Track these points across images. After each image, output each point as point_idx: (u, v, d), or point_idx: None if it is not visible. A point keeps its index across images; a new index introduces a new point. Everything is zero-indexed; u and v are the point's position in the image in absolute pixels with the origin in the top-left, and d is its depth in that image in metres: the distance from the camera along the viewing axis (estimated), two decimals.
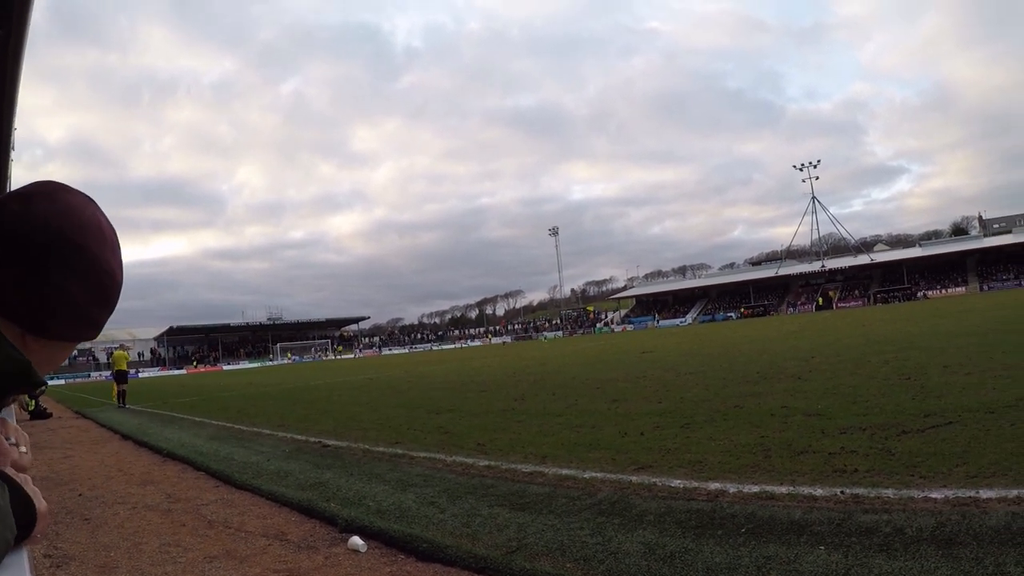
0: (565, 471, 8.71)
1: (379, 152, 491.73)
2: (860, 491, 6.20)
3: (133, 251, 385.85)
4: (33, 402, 28.79)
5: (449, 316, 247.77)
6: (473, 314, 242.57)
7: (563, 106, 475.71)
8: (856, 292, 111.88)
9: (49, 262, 1.27)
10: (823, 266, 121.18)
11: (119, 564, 7.22)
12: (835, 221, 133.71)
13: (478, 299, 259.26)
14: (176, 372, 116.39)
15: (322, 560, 6.77)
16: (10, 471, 1.29)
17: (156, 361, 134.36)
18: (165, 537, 8.15)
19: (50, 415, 28.77)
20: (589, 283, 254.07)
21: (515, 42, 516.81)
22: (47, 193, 1.30)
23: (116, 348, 33.39)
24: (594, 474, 8.36)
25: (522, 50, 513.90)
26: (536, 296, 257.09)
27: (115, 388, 31.66)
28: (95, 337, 1.45)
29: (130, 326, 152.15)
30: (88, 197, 1.37)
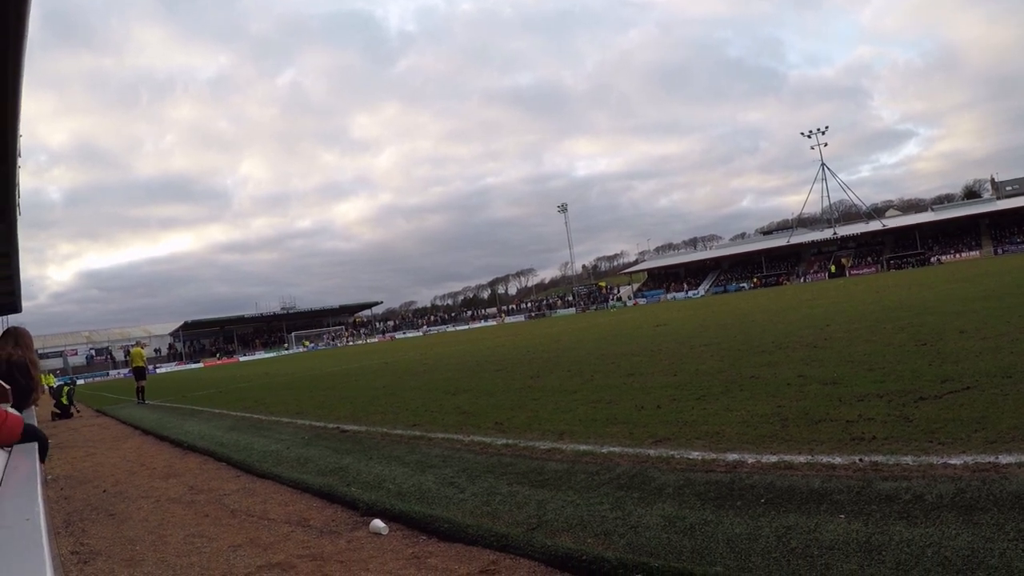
0: (583, 447, 8.73)
1: (380, 138, 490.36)
2: (879, 459, 6.17)
3: (142, 250, 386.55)
4: (67, 399, 29.10)
5: (462, 297, 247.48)
6: (485, 294, 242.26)
7: (562, 82, 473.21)
8: (869, 259, 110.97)
9: None
10: (835, 233, 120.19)
11: (145, 557, 7.28)
12: (845, 187, 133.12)
13: (490, 279, 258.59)
14: (193, 366, 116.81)
15: (345, 544, 6.81)
16: None
17: (173, 356, 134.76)
18: (189, 528, 8.21)
19: (71, 415, 29.03)
20: (600, 258, 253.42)
21: (508, 21, 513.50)
22: None
23: (133, 346, 33.64)
24: (612, 449, 8.36)
25: (516, 28, 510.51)
26: (548, 274, 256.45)
27: (136, 384, 31.97)
28: None
29: (145, 323, 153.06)
30: None
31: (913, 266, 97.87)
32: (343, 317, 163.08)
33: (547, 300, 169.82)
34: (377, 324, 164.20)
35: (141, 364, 32.05)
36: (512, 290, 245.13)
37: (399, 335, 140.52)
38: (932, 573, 4.00)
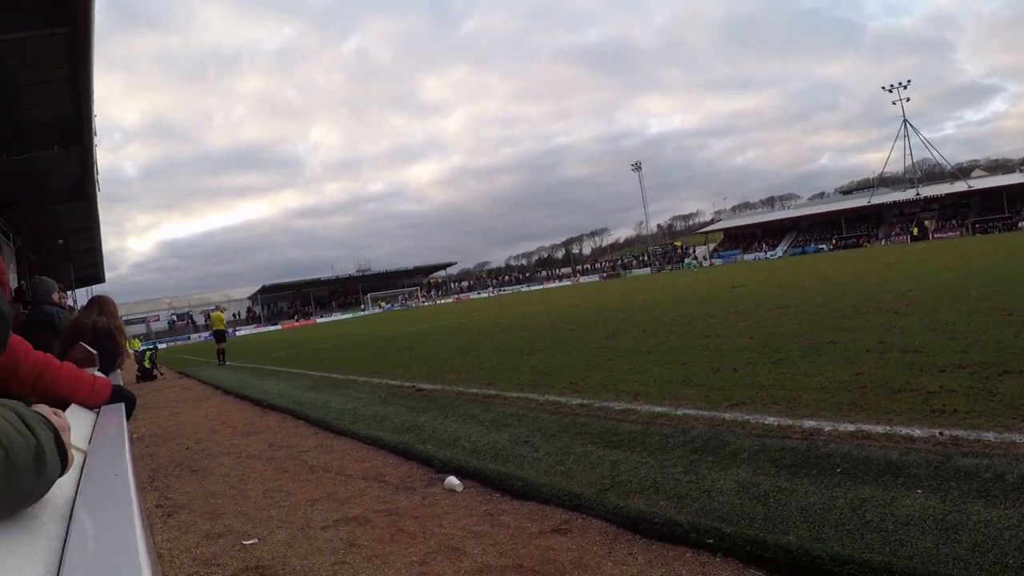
0: (658, 408, 8.73)
1: (449, 100, 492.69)
2: (959, 433, 6.04)
3: (219, 218, 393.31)
4: (150, 362, 29.85)
5: (536, 257, 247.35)
6: (560, 254, 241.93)
7: (631, 38, 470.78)
8: (953, 221, 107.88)
9: None
10: (917, 194, 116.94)
11: (226, 510, 7.46)
12: (929, 145, 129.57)
13: (564, 239, 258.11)
14: (271, 328, 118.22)
15: (419, 500, 6.91)
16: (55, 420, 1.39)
17: (251, 319, 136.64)
18: (269, 483, 8.39)
19: (155, 377, 29.76)
20: (675, 217, 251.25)
21: None
22: None
23: (213, 310, 34.33)
24: (687, 411, 8.36)
25: None
26: (622, 233, 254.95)
27: (216, 347, 32.67)
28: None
29: (224, 288, 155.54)
30: None
31: (1000, 231, 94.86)
32: (418, 278, 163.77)
33: (622, 260, 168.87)
34: (451, 285, 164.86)
35: (221, 327, 32.88)
36: (586, 250, 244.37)
37: (473, 295, 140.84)
38: (1009, 556, 3.94)
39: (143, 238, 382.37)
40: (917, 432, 6.23)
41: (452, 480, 7.28)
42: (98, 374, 3.42)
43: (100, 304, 7.16)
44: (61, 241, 34.25)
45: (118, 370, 7.00)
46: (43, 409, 1.42)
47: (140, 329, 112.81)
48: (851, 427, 6.67)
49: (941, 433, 6.09)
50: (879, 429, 6.46)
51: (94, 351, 3.45)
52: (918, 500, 4.80)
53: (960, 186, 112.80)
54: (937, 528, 4.37)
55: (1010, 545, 4.04)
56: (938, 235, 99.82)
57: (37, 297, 8.30)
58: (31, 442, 1.24)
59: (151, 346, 36.22)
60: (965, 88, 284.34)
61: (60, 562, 1.02)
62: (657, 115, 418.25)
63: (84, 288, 54.02)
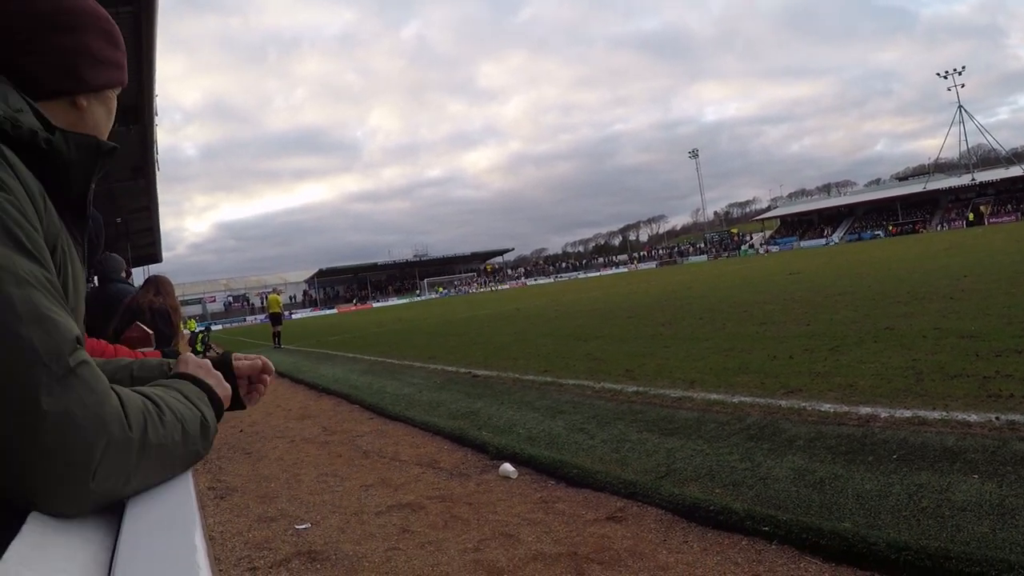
0: (713, 396, 8.71)
1: (507, 86, 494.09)
2: (1016, 418, 5.98)
3: (277, 200, 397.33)
4: (202, 345, 30.32)
5: (593, 244, 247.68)
6: (616, 241, 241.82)
7: (687, 26, 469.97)
8: (1009, 207, 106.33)
9: (59, 31, 1.47)
10: (973, 179, 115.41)
11: (279, 494, 7.56)
12: (984, 130, 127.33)
13: (620, 226, 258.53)
14: (327, 312, 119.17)
15: (474, 487, 6.96)
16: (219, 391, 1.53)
17: (308, 302, 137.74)
18: (322, 467, 8.49)
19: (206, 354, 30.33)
20: (732, 204, 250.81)
21: None
22: None
23: (270, 292, 34.68)
24: (743, 398, 8.33)
25: None
26: (679, 220, 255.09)
27: (272, 330, 32.93)
28: (125, 80, 1.67)
29: (281, 271, 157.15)
30: None
31: None
32: (474, 264, 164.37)
33: (678, 247, 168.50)
34: (508, 271, 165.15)
35: (277, 310, 33.14)
36: (643, 237, 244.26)
37: (530, 282, 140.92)
38: None
39: (201, 219, 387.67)
40: (973, 417, 6.17)
41: (507, 467, 7.32)
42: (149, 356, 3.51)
43: (157, 284, 7.23)
44: (119, 220, 34.68)
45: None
46: (216, 378, 1.53)
47: (196, 310, 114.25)
48: (907, 413, 6.63)
49: (997, 418, 6.03)
50: (935, 415, 6.42)
51: (150, 331, 3.52)
52: (974, 485, 4.76)
53: (1015, 171, 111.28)
54: (994, 513, 4.34)
55: None
56: (993, 220, 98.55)
57: (107, 274, 8.39)
58: (196, 414, 1.35)
59: (204, 328, 36.70)
60: (1019, 73, 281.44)
61: (115, 540, 1.05)
62: (713, 103, 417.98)
63: (141, 267, 54.69)
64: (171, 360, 1.64)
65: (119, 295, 7.34)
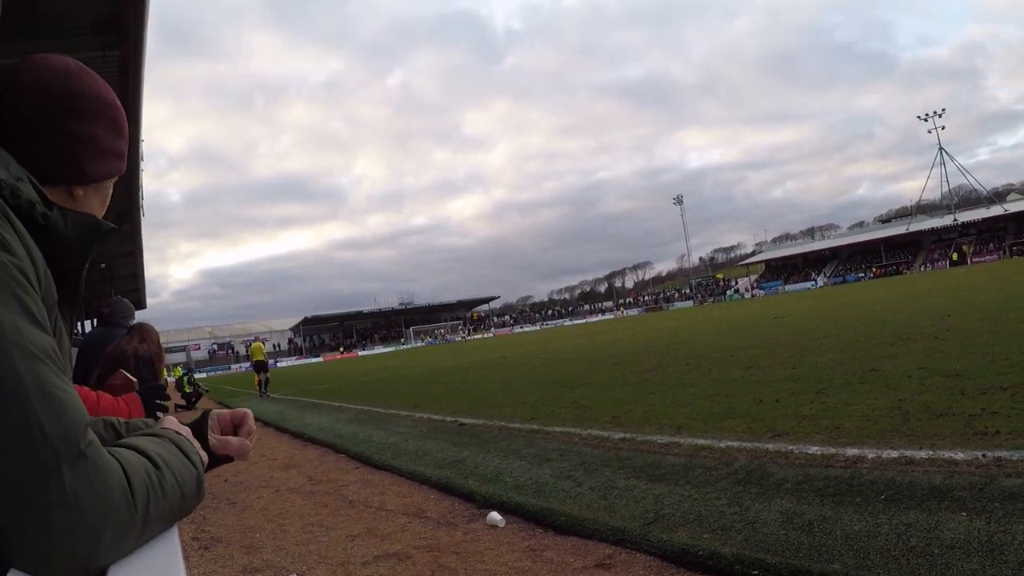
0: (701, 441, 8.70)
1: (492, 134, 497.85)
2: (1002, 454, 6.03)
3: (261, 247, 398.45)
4: (189, 385, 30.33)
5: (578, 291, 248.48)
6: (602, 288, 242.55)
7: (670, 74, 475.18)
8: (991, 245, 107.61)
9: (65, 117, 1.44)
10: (955, 220, 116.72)
11: (264, 544, 7.50)
12: (964, 171, 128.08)
13: (606, 272, 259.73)
14: (313, 360, 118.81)
15: (461, 536, 6.91)
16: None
17: (293, 351, 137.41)
18: (308, 517, 8.43)
19: (200, 396, 30.47)
20: (717, 250, 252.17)
21: (614, 14, 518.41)
22: (27, 64, 1.45)
23: (253, 341, 34.61)
24: (730, 443, 8.33)
25: (622, 22, 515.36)
26: (664, 266, 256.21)
27: (256, 378, 32.84)
28: (123, 170, 1.65)
29: (266, 318, 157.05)
30: (53, 54, 1.50)
31: None
32: (460, 312, 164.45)
33: (664, 293, 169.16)
34: (494, 319, 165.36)
35: (261, 358, 32.99)
36: (629, 283, 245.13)
37: (516, 329, 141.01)
38: None
39: (185, 265, 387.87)
40: (960, 455, 6.21)
41: (494, 516, 7.27)
42: (132, 403, 3.48)
43: (142, 332, 7.19)
44: (103, 265, 34.61)
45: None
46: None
47: (180, 357, 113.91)
48: (894, 453, 6.65)
49: (984, 455, 6.07)
50: (922, 454, 6.44)
51: (134, 379, 3.51)
52: (963, 523, 4.78)
53: (996, 210, 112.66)
54: (983, 549, 4.35)
55: None
56: (976, 259, 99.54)
57: (116, 319, 8.34)
58: (192, 471, 1.35)
59: (187, 372, 36.76)
60: (997, 114, 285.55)
61: None
62: (696, 149, 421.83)
63: None
64: (153, 421, 1.62)
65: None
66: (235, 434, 1.71)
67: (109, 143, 1.53)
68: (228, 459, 1.67)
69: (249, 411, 1.76)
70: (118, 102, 1.57)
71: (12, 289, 1.09)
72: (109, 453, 1.15)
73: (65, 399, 1.09)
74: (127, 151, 1.62)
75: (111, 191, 1.62)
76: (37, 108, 1.39)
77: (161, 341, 7.40)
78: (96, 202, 1.55)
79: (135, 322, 7.68)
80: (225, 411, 1.74)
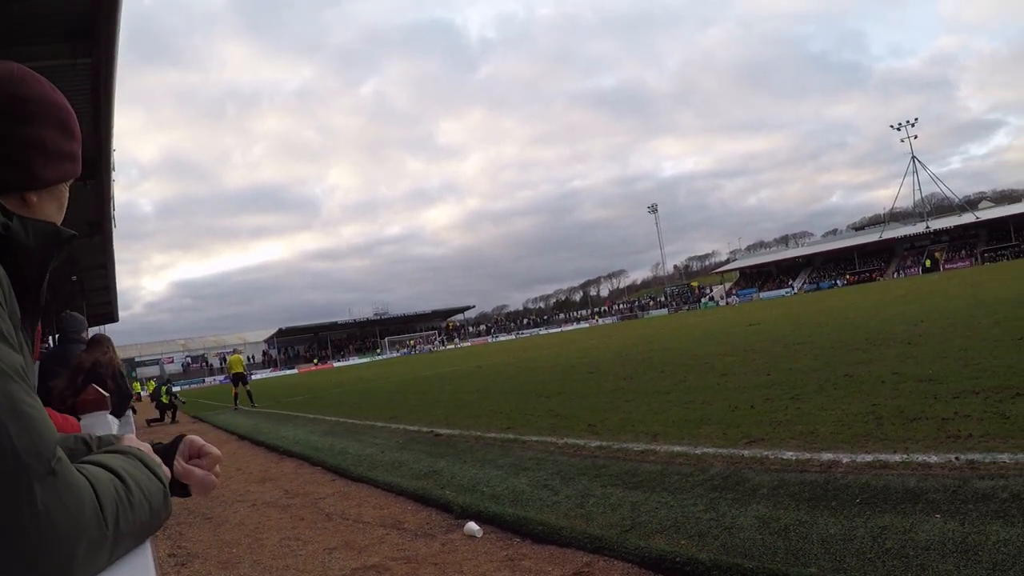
0: (677, 448, 8.73)
1: (466, 144, 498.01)
2: (975, 457, 6.08)
3: (235, 258, 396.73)
4: (167, 395, 30.12)
5: (554, 300, 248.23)
6: (577, 296, 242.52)
7: (644, 83, 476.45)
8: (963, 252, 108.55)
9: (10, 122, 1.41)
10: (927, 227, 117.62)
11: (241, 559, 7.46)
12: (937, 180, 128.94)
13: (581, 281, 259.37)
14: (288, 372, 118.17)
15: (439, 547, 6.89)
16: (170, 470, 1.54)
17: (268, 362, 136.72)
18: (285, 531, 8.38)
19: (178, 407, 30.45)
20: (692, 258, 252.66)
21: (588, 23, 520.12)
22: None
23: (231, 353, 34.30)
24: (706, 450, 8.35)
25: (596, 31, 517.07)
26: (639, 275, 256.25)
27: (233, 390, 32.52)
28: (79, 171, 1.62)
29: (239, 330, 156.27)
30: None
31: (1008, 259, 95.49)
32: (435, 322, 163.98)
33: (639, 301, 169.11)
34: (470, 328, 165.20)
35: (240, 370, 32.70)
36: (604, 292, 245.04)
37: (491, 339, 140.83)
38: None
39: (157, 277, 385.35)
40: (934, 458, 6.26)
41: (471, 526, 7.26)
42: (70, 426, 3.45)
43: (102, 342, 7.13)
44: (75, 278, 34.33)
45: (129, 413, 7.02)
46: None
47: (154, 371, 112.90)
48: (869, 457, 6.69)
49: (957, 458, 6.12)
50: (896, 458, 6.49)
51: (106, 393, 3.47)
52: (937, 525, 4.82)
53: (968, 218, 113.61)
54: (957, 551, 4.39)
55: None
56: (949, 266, 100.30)
57: (67, 334, 8.21)
58: (158, 485, 1.35)
59: (164, 382, 36.54)
60: (969, 124, 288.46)
61: None
62: (671, 158, 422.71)
63: (97, 327, 54.03)
64: (115, 438, 1.60)
65: (70, 356, 7.20)
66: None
67: (60, 146, 1.51)
68: (186, 492, 1.63)
69: (218, 452, 1.71)
70: (67, 104, 1.54)
71: None
72: (77, 470, 1.15)
73: (35, 416, 1.09)
74: (80, 153, 1.60)
75: (67, 196, 1.60)
76: None
77: (134, 355, 7.34)
78: (53, 207, 1.52)
79: (96, 334, 7.60)
80: (199, 440, 1.71)
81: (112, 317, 56.72)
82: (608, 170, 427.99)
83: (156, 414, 31.75)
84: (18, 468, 1.02)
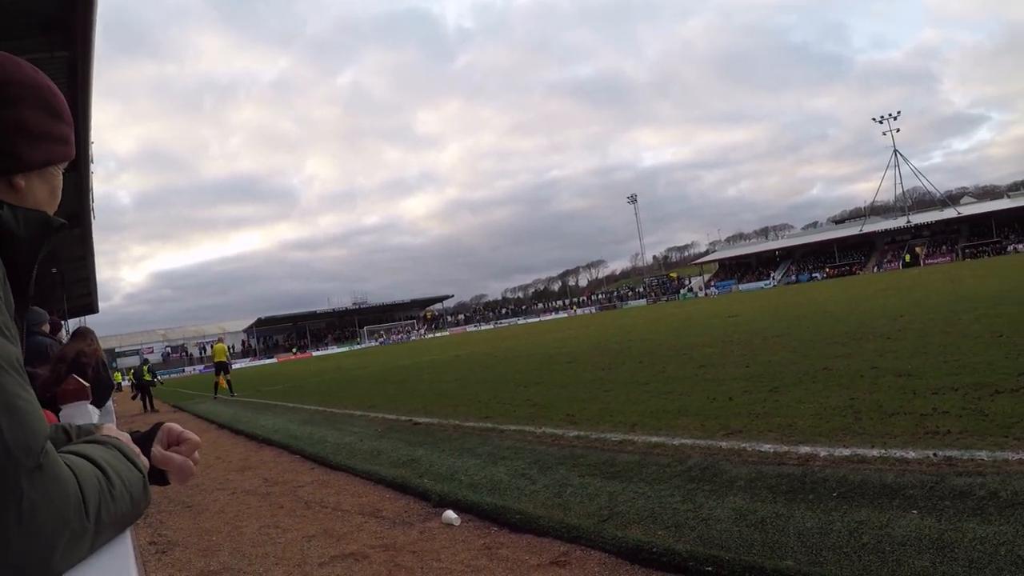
0: (654, 439, 8.74)
1: (444, 133, 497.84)
2: (953, 453, 6.11)
3: (212, 249, 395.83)
4: (149, 374, 30.02)
5: (532, 290, 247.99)
6: (556, 286, 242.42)
7: (623, 73, 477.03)
8: (943, 247, 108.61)
9: None
10: (908, 222, 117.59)
11: (221, 547, 7.45)
12: (918, 174, 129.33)
13: (560, 271, 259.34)
14: (267, 361, 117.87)
15: (417, 535, 6.90)
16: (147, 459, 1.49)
17: (247, 352, 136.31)
18: (264, 519, 8.37)
19: (155, 385, 30.31)
20: (671, 249, 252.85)
21: (566, 13, 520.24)
22: None
23: (216, 342, 34.17)
24: (683, 441, 8.37)
25: (574, 20, 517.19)
26: (618, 265, 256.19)
27: (217, 379, 32.38)
28: (72, 154, 1.59)
29: (219, 320, 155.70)
30: None
31: (989, 255, 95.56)
32: (414, 311, 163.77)
33: (618, 292, 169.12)
34: (448, 318, 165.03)
35: (223, 359, 32.55)
36: (583, 282, 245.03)
37: (470, 328, 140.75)
38: (1005, 572, 3.97)
39: (136, 268, 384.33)
40: (911, 454, 6.28)
41: (449, 514, 7.26)
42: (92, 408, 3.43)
43: (87, 335, 7.11)
44: (55, 270, 34.19)
45: (111, 403, 6.99)
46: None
47: (134, 361, 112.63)
48: (846, 451, 6.71)
49: (935, 454, 6.14)
50: (874, 452, 6.51)
51: (87, 384, 3.45)
52: (914, 521, 4.83)
53: (950, 213, 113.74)
54: (933, 547, 4.41)
55: (1005, 561, 4.08)
56: (929, 261, 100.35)
57: (29, 327, 8.15)
58: (137, 475, 1.34)
59: (144, 361, 36.54)
60: (952, 118, 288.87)
61: None
62: (650, 148, 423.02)
63: (77, 318, 53.86)
64: (95, 426, 1.58)
65: (40, 347, 7.16)
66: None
67: (44, 127, 1.47)
68: (164, 480, 1.61)
69: (197, 438, 1.69)
70: (53, 86, 1.50)
71: None
72: (63, 461, 1.13)
73: (28, 410, 1.08)
74: (71, 137, 1.56)
75: (60, 179, 1.56)
76: None
77: (114, 345, 7.33)
78: (44, 192, 1.49)
79: (79, 327, 7.57)
80: (177, 427, 1.68)
81: (92, 308, 56.61)
82: (587, 160, 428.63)
83: (136, 405, 31.73)
84: (7, 462, 1.01)
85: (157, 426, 1.65)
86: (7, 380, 1.07)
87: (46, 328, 8.22)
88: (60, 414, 3.25)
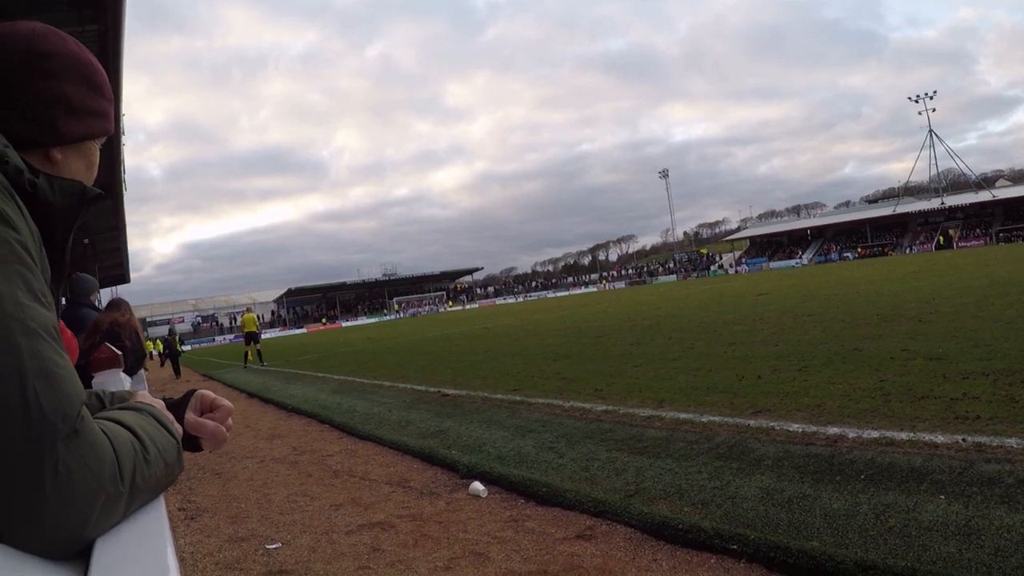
0: (683, 415, 8.74)
1: (473, 106, 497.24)
2: (982, 439, 6.06)
3: (243, 220, 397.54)
4: (180, 344, 30.30)
5: (562, 263, 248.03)
6: (586, 260, 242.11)
7: (654, 47, 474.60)
8: (977, 231, 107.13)
9: (31, 77, 1.39)
10: (942, 203, 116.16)
11: (249, 514, 7.51)
12: (954, 155, 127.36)
13: (590, 245, 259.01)
14: (296, 331, 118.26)
15: (444, 505, 6.94)
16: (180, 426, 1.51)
17: (276, 322, 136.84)
18: (292, 487, 8.44)
19: (181, 354, 30.64)
20: (702, 225, 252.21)
21: None
22: None
23: (245, 311, 34.29)
24: (712, 418, 8.37)
25: None
26: (649, 240, 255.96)
27: (246, 349, 32.71)
28: (111, 129, 1.60)
29: (249, 290, 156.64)
30: (22, 20, 1.46)
31: None
32: (444, 283, 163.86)
33: (648, 267, 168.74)
34: (478, 290, 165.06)
35: (253, 328, 32.76)
36: (613, 256, 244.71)
37: (499, 301, 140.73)
38: None
39: (167, 239, 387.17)
40: (940, 439, 6.24)
41: (476, 486, 7.31)
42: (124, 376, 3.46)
43: (120, 305, 7.15)
44: (87, 240, 34.36)
45: (143, 371, 7.05)
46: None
47: (164, 331, 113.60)
48: (875, 434, 6.69)
49: (964, 439, 6.10)
50: (903, 436, 6.48)
51: (119, 352, 3.48)
52: (941, 506, 4.81)
53: (984, 195, 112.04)
54: (960, 533, 4.40)
55: None
56: (962, 244, 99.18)
57: (75, 296, 8.14)
58: (171, 441, 1.36)
59: (171, 331, 37.12)
60: (988, 99, 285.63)
61: (88, 563, 1.06)
62: (681, 123, 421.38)
63: (109, 288, 54.23)
64: (129, 393, 1.61)
65: (83, 321, 7.18)
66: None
67: (84, 101, 1.48)
68: (197, 447, 1.63)
69: (230, 404, 1.70)
70: (94, 60, 1.50)
71: (15, 265, 1.09)
72: (98, 428, 1.16)
73: (64, 376, 1.10)
74: (111, 112, 1.56)
75: (97, 155, 1.57)
76: (2, 73, 1.35)
77: (145, 315, 7.37)
78: (80, 165, 1.50)
79: (114, 298, 7.60)
80: (210, 393, 1.71)
81: (124, 279, 56.88)
82: (617, 134, 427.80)
83: (166, 372, 32.07)
84: (44, 427, 1.03)
85: (190, 393, 1.68)
86: (43, 346, 1.09)
87: (95, 297, 8.20)
88: (93, 381, 3.28)
